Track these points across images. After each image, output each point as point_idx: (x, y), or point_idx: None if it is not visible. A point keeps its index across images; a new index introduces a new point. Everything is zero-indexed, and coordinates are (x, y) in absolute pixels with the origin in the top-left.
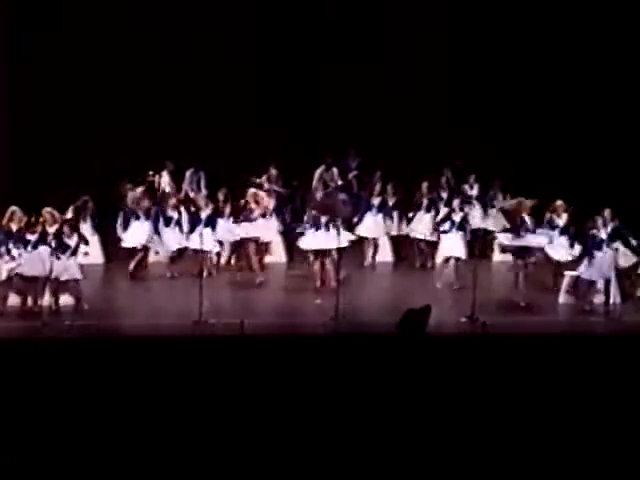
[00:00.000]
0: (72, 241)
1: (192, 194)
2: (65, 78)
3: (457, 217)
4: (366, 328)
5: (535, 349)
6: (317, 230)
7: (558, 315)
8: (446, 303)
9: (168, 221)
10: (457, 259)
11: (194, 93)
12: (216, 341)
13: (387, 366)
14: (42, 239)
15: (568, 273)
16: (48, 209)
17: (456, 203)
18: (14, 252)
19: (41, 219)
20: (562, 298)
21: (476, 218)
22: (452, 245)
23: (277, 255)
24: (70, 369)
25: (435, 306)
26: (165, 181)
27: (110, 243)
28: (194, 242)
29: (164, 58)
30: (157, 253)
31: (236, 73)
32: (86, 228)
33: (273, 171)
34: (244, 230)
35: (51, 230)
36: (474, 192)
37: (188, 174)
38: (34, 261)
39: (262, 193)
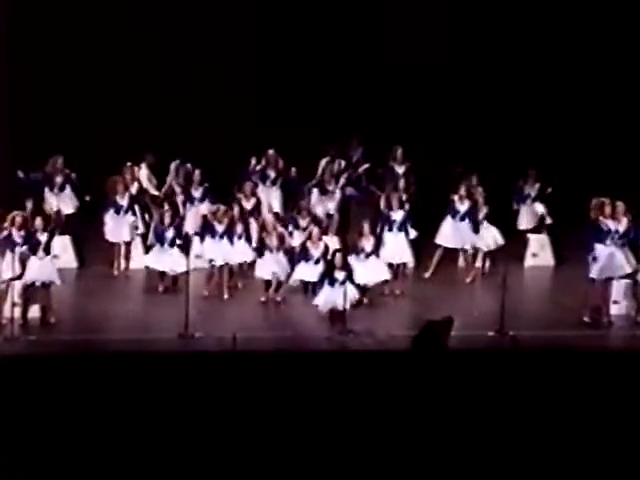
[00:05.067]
0: (44, 236)
1: (178, 190)
2: (63, 77)
3: (397, 216)
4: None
5: (572, 366)
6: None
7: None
8: (471, 314)
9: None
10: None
11: (192, 88)
12: (206, 357)
13: (402, 387)
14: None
15: (615, 282)
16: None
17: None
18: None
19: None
20: (613, 309)
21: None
22: (395, 249)
23: None
24: (35, 390)
25: (458, 318)
26: (143, 174)
27: (85, 245)
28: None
29: (163, 55)
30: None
31: (235, 65)
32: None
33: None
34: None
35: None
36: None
37: (173, 166)
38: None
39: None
